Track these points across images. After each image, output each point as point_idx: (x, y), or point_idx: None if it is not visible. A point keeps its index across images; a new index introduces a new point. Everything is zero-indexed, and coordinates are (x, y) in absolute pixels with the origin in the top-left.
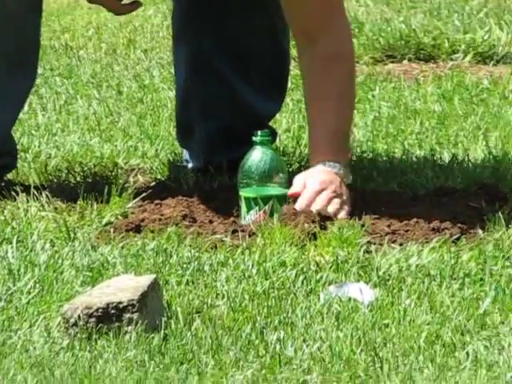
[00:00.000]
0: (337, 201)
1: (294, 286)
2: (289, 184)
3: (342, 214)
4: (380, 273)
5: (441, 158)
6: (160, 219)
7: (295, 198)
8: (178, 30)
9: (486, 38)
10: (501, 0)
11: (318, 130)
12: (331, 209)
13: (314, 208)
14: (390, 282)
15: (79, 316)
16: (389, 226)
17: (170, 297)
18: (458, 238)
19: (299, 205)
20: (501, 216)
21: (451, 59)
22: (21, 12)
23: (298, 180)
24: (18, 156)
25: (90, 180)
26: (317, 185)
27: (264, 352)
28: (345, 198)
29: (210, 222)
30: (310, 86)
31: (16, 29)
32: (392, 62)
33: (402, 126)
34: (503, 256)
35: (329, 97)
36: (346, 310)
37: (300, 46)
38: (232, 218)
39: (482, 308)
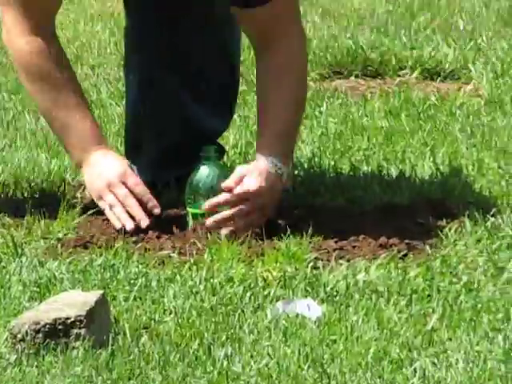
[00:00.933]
0: (252, 218)
1: (242, 302)
2: None
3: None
4: (327, 289)
5: (388, 173)
6: (107, 235)
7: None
8: (129, 46)
9: (432, 54)
10: (448, 16)
11: (265, 131)
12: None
13: (225, 225)
14: (338, 298)
15: (26, 332)
16: (336, 242)
17: (118, 312)
18: (405, 255)
19: (219, 215)
20: (448, 232)
21: (398, 75)
22: None
23: (237, 173)
24: None
25: (37, 196)
26: (248, 191)
27: (211, 368)
28: (266, 211)
29: (158, 237)
30: (261, 92)
31: None
32: (339, 79)
33: (349, 143)
34: (450, 272)
35: (278, 104)
36: (294, 326)
37: (256, 52)
38: (179, 234)
39: (430, 324)
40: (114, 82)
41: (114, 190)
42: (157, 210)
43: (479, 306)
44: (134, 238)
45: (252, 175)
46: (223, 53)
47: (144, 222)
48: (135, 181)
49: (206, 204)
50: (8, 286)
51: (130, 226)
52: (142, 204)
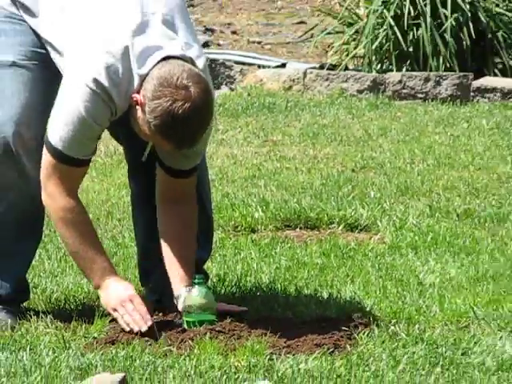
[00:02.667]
0: None
1: (220, 382)
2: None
3: None
4: (279, 374)
5: (321, 295)
6: (127, 335)
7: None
8: (134, 204)
9: (353, 214)
10: (363, 188)
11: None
12: None
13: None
14: (286, 380)
15: None
16: (285, 342)
17: None
18: (332, 351)
19: None
20: (362, 336)
21: (329, 228)
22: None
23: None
24: (31, 290)
25: (80, 308)
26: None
27: None
28: None
29: (161, 335)
30: (170, 243)
31: (33, 198)
32: (288, 230)
33: (295, 273)
34: (363, 364)
35: (184, 242)
36: None
37: (164, 200)
38: (177, 334)
39: None
40: (133, 231)
41: (124, 305)
42: (149, 323)
43: None
44: (146, 338)
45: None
46: (201, 205)
47: (143, 328)
48: (138, 301)
49: None
50: (59, 369)
51: (135, 329)
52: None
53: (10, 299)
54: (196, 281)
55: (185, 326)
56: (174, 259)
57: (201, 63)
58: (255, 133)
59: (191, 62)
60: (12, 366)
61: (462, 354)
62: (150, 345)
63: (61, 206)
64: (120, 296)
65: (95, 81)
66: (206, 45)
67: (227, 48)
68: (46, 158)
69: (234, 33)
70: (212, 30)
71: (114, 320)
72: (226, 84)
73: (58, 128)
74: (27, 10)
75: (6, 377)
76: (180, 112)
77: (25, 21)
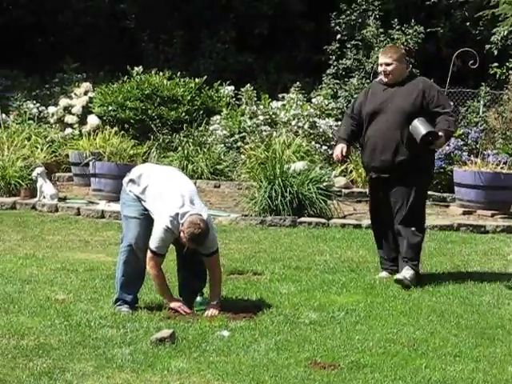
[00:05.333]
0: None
1: None
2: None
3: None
4: (235, 327)
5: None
6: (178, 317)
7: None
8: (179, 269)
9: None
10: None
11: (213, 296)
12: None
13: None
14: (239, 330)
15: None
16: (232, 315)
17: None
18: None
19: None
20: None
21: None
22: None
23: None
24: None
25: (156, 307)
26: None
27: None
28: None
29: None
30: (212, 284)
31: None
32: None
33: (244, 293)
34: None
35: (217, 290)
36: None
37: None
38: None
39: None
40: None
41: (179, 307)
42: (189, 311)
43: None
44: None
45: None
46: (201, 269)
47: (187, 311)
48: (181, 304)
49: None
50: (148, 328)
51: (183, 313)
52: (186, 310)
53: (132, 304)
54: (200, 295)
55: (195, 311)
56: (211, 288)
57: (205, 216)
58: (218, 239)
59: (200, 214)
60: (132, 327)
61: None
62: (184, 320)
63: (154, 273)
64: (176, 304)
65: (167, 226)
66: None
67: (209, 209)
68: (149, 253)
69: (210, 203)
70: None
71: (169, 310)
72: None
73: (155, 241)
74: (140, 198)
75: (130, 331)
76: (196, 233)
77: (139, 200)
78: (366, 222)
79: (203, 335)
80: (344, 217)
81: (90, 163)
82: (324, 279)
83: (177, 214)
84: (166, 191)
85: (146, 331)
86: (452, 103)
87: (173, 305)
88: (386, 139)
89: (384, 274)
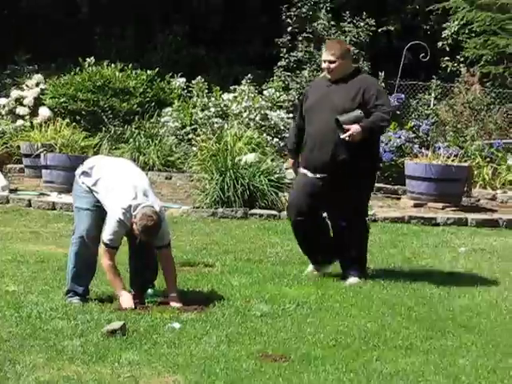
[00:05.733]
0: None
1: None
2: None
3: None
4: (185, 320)
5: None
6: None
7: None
8: (130, 259)
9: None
10: None
11: (171, 287)
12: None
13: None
14: (189, 322)
15: None
16: (178, 308)
17: None
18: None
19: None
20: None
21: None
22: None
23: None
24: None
25: (106, 299)
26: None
27: None
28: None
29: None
30: (164, 270)
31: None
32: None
33: (197, 283)
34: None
35: (171, 277)
36: None
37: (160, 261)
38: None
39: None
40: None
41: (125, 301)
42: (133, 306)
43: None
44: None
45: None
46: (153, 261)
47: (132, 307)
48: (131, 300)
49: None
50: (99, 320)
51: (129, 308)
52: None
53: (83, 295)
54: (151, 287)
55: (147, 303)
56: (166, 281)
57: (158, 208)
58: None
59: (152, 207)
60: (83, 318)
61: None
62: (135, 313)
63: (107, 265)
64: (126, 300)
65: (119, 218)
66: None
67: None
68: (102, 246)
69: (161, 195)
70: None
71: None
72: None
73: (108, 234)
74: (93, 190)
75: (81, 323)
76: (148, 225)
77: (92, 192)
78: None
79: (154, 327)
80: None
81: (42, 155)
82: (275, 271)
83: (129, 206)
84: (118, 183)
85: (96, 323)
86: (403, 95)
87: (123, 302)
88: (324, 139)
89: (311, 268)
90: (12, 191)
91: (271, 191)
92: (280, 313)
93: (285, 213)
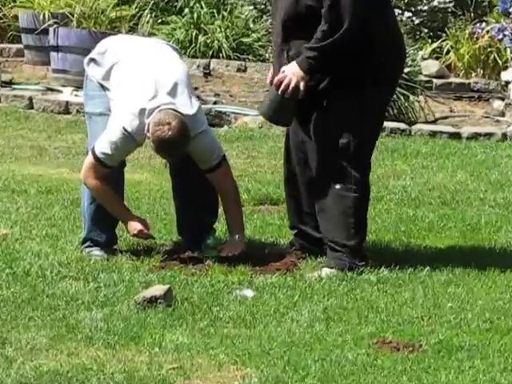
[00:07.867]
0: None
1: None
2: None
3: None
4: (257, 285)
5: (278, 241)
6: (173, 265)
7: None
8: (174, 186)
9: None
10: None
11: (234, 225)
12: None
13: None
14: (260, 289)
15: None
16: (259, 267)
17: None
18: (286, 272)
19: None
20: (302, 264)
21: (283, 204)
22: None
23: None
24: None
25: (145, 249)
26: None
27: None
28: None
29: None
30: (226, 208)
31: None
32: (261, 206)
33: (264, 230)
34: (304, 279)
35: (236, 213)
36: None
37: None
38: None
39: None
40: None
41: (136, 228)
42: (150, 235)
43: None
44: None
45: (239, 239)
46: (209, 195)
47: (146, 235)
48: (142, 226)
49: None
50: (134, 282)
51: (140, 235)
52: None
53: (107, 245)
54: (210, 235)
55: (204, 257)
56: (227, 217)
57: (188, 111)
58: (242, 151)
59: (174, 109)
60: (108, 279)
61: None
62: (184, 269)
63: (94, 185)
64: (136, 226)
65: (123, 127)
66: (215, 103)
67: (227, 104)
68: (90, 158)
69: (230, 96)
70: (218, 95)
71: (164, 256)
72: (226, 125)
73: (103, 145)
74: (104, 86)
75: (104, 286)
76: (164, 137)
77: (104, 88)
78: (468, 129)
79: (215, 295)
80: (435, 121)
81: (51, 30)
82: (401, 215)
83: (142, 110)
84: (134, 75)
85: (127, 287)
86: None
87: (132, 227)
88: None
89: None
90: (4, 84)
91: (399, 93)
92: (406, 278)
93: (418, 126)
